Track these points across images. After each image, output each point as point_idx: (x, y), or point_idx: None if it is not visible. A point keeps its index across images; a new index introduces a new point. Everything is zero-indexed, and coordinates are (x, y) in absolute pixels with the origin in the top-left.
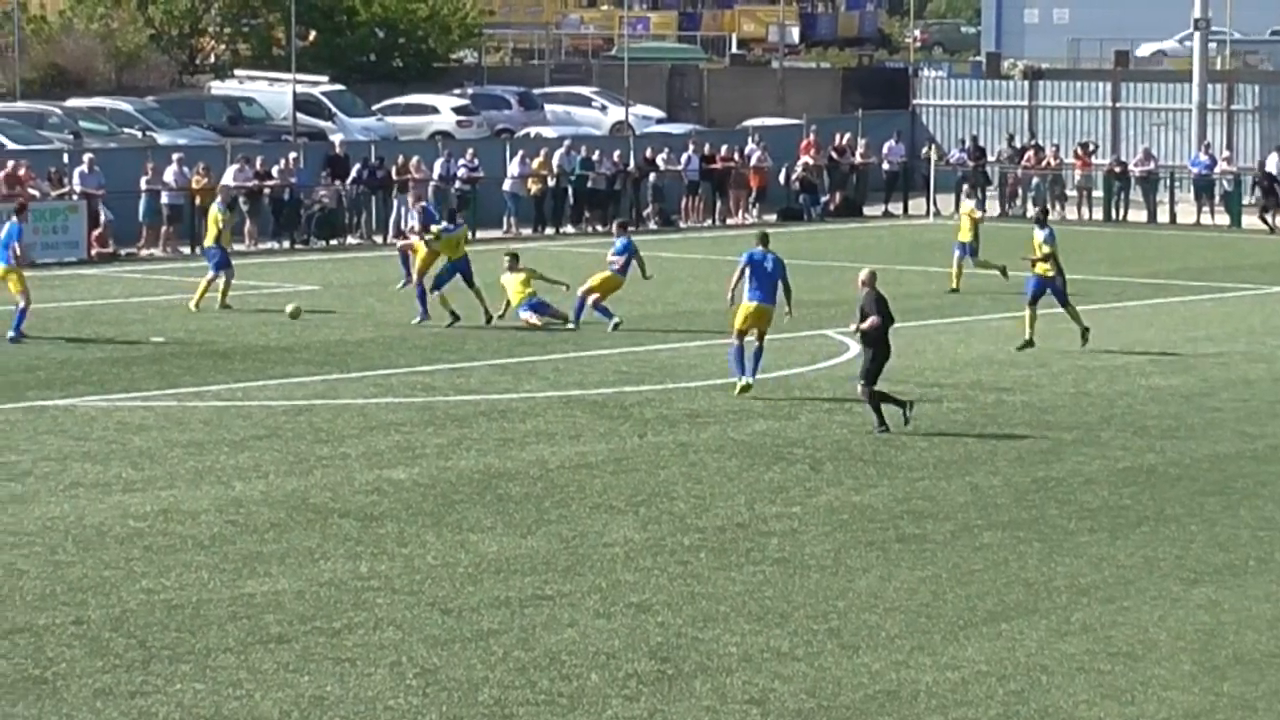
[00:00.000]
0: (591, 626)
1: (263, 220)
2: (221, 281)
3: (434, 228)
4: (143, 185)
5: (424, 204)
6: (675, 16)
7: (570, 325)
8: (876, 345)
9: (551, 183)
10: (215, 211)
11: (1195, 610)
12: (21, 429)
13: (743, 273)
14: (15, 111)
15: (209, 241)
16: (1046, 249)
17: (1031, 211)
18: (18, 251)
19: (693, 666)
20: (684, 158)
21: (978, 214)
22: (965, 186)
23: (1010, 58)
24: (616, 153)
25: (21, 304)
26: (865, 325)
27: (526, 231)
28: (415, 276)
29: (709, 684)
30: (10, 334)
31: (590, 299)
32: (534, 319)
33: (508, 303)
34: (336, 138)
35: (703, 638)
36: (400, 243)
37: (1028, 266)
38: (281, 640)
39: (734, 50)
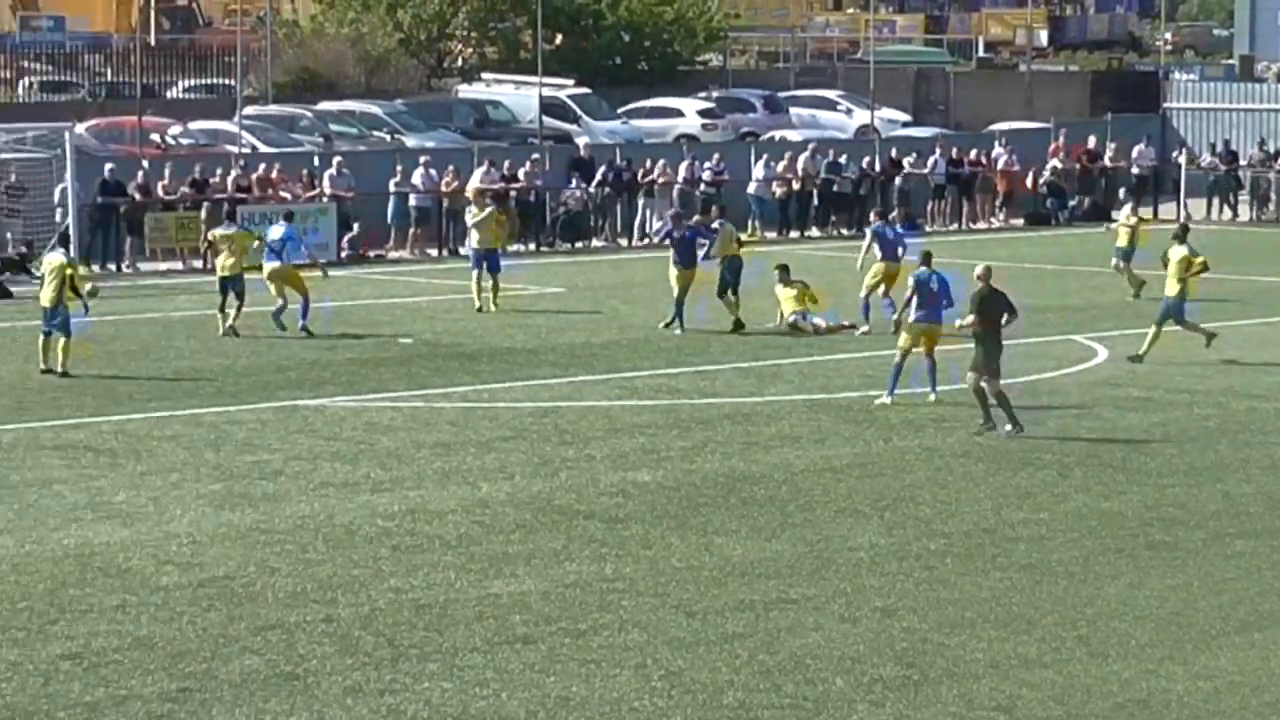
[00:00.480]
0: (836, 631)
1: (509, 223)
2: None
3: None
4: (391, 187)
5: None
6: (922, 19)
7: (863, 329)
8: (985, 340)
9: (797, 186)
10: (492, 212)
11: None
12: (273, 428)
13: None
14: (267, 115)
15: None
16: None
17: None
18: (305, 251)
19: (939, 672)
20: (930, 161)
21: (1131, 220)
22: (1122, 192)
23: (1264, 60)
24: (865, 158)
25: (300, 300)
26: (965, 323)
27: (771, 235)
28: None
29: (955, 690)
30: (301, 324)
31: (876, 294)
32: (818, 324)
33: (781, 314)
34: (582, 141)
35: (949, 643)
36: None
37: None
38: (527, 641)
39: (981, 53)
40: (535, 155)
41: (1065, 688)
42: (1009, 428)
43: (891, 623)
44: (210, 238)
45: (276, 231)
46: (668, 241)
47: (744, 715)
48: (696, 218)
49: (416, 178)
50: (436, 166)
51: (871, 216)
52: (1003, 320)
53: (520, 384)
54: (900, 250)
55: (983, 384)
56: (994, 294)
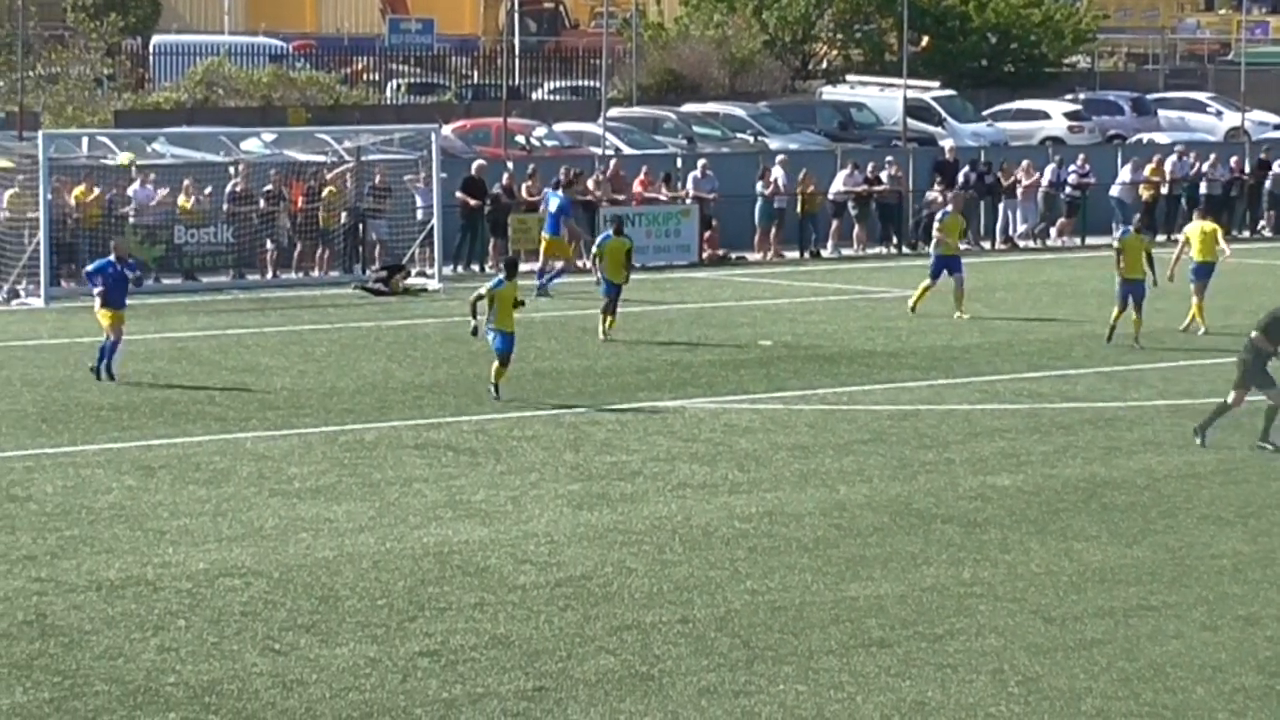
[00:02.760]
0: (1197, 639)
1: (870, 225)
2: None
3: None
4: (758, 189)
5: None
6: None
7: None
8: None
9: (1165, 190)
10: (952, 219)
11: None
12: (633, 429)
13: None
14: (632, 117)
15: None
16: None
17: None
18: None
19: None
20: None
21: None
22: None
23: None
24: (1233, 159)
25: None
26: None
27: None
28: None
29: None
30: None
31: None
32: None
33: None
34: (946, 144)
35: None
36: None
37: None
38: (883, 644)
39: None
40: (889, 158)
41: None
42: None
43: (1254, 631)
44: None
45: (553, 204)
46: None
47: None
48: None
49: (779, 178)
50: (798, 168)
51: None
52: None
53: (879, 387)
54: None
55: None
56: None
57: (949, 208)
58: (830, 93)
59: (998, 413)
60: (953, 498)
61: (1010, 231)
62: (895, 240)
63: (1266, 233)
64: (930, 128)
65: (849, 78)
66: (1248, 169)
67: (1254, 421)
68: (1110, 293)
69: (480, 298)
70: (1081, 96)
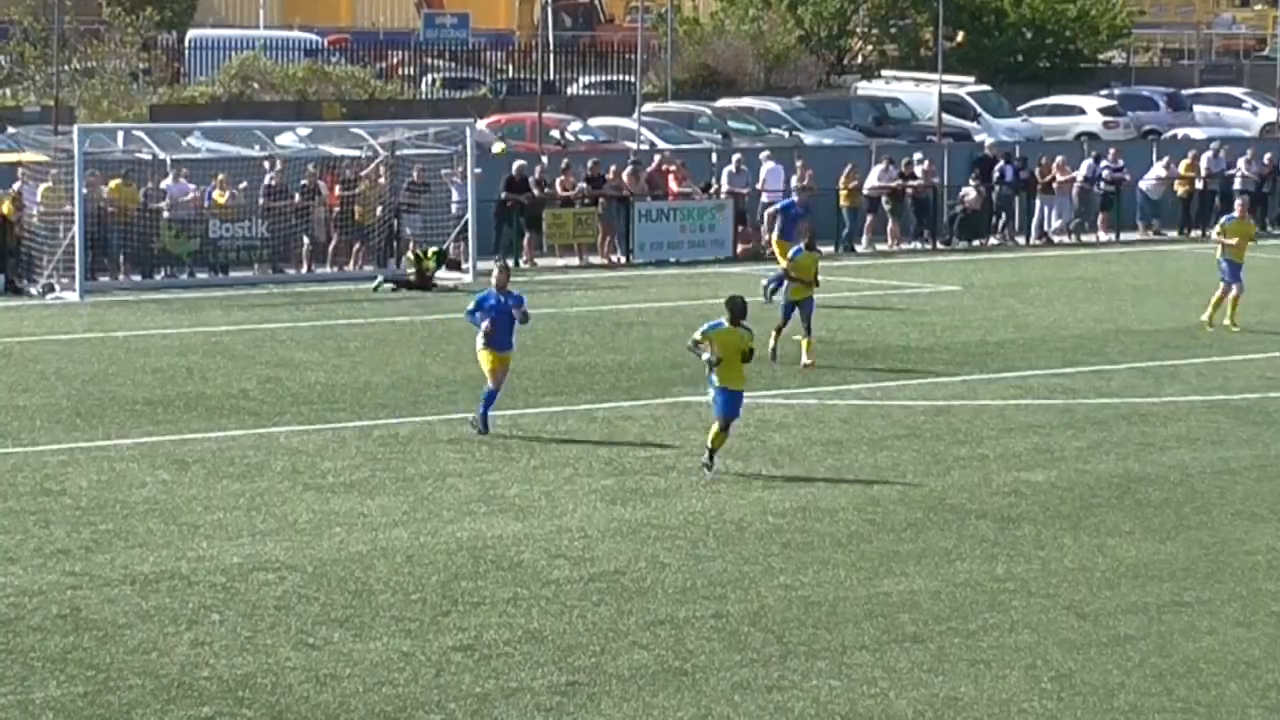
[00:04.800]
0: (1231, 635)
1: (905, 220)
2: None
3: None
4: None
5: None
6: None
7: None
8: None
9: (1200, 185)
10: None
11: None
12: (666, 424)
13: None
14: (667, 111)
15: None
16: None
17: None
18: None
19: None
20: None
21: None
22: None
23: None
24: (1267, 155)
25: None
26: None
27: (1172, 233)
28: None
29: None
30: None
31: None
32: None
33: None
34: (983, 138)
35: None
36: None
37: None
38: (916, 640)
39: None
40: (918, 155)
41: None
42: None
43: None
44: None
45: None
46: None
47: (1135, 719)
48: None
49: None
50: (836, 163)
51: None
52: None
53: (914, 382)
54: None
55: None
56: None
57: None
58: (865, 88)
59: (1031, 408)
60: (986, 493)
61: (1045, 227)
62: (929, 235)
63: None
64: (965, 123)
65: (884, 73)
66: None
67: None
68: (1145, 287)
69: (697, 342)
70: (1116, 92)
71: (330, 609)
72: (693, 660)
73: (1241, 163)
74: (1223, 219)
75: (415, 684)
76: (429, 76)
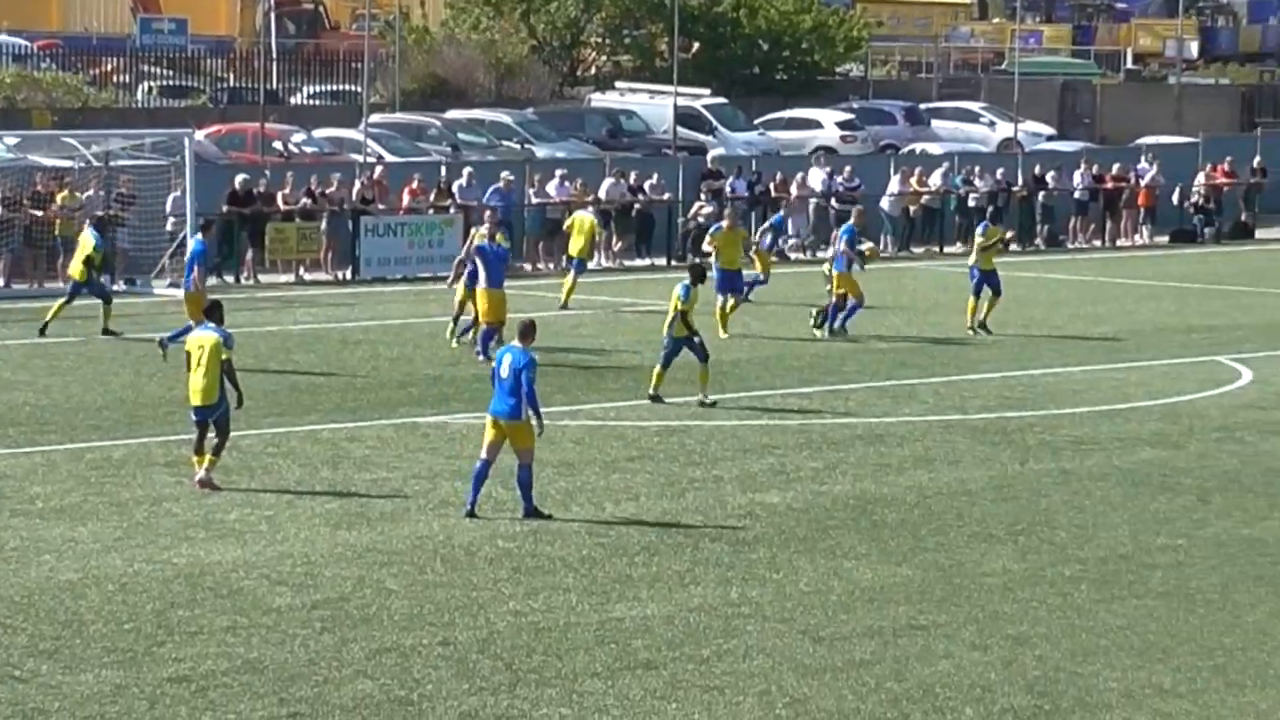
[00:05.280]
0: (967, 659)
1: (636, 235)
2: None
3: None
4: (530, 198)
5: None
6: (1069, 30)
7: None
8: None
9: (927, 201)
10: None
11: None
12: (393, 445)
13: None
14: (395, 123)
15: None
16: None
17: None
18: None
19: (1071, 702)
20: (1074, 176)
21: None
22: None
23: None
24: (1000, 170)
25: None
26: None
27: (919, 250)
28: None
29: None
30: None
31: None
32: None
33: None
34: (714, 152)
35: (1082, 672)
36: None
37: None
38: (649, 666)
39: (1129, 65)
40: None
41: (1201, 718)
42: None
43: (1024, 651)
44: None
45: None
46: None
47: None
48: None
49: (551, 189)
50: (568, 178)
51: None
52: None
53: (647, 403)
54: None
55: None
56: None
57: (723, 222)
58: (599, 99)
59: (767, 428)
60: (721, 515)
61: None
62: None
63: (1039, 244)
64: (701, 136)
65: (618, 84)
66: (1020, 180)
67: (1024, 438)
68: (882, 305)
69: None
70: (854, 106)
71: (39, 640)
72: (419, 689)
73: (976, 179)
74: (978, 228)
75: (128, 717)
76: (145, 84)
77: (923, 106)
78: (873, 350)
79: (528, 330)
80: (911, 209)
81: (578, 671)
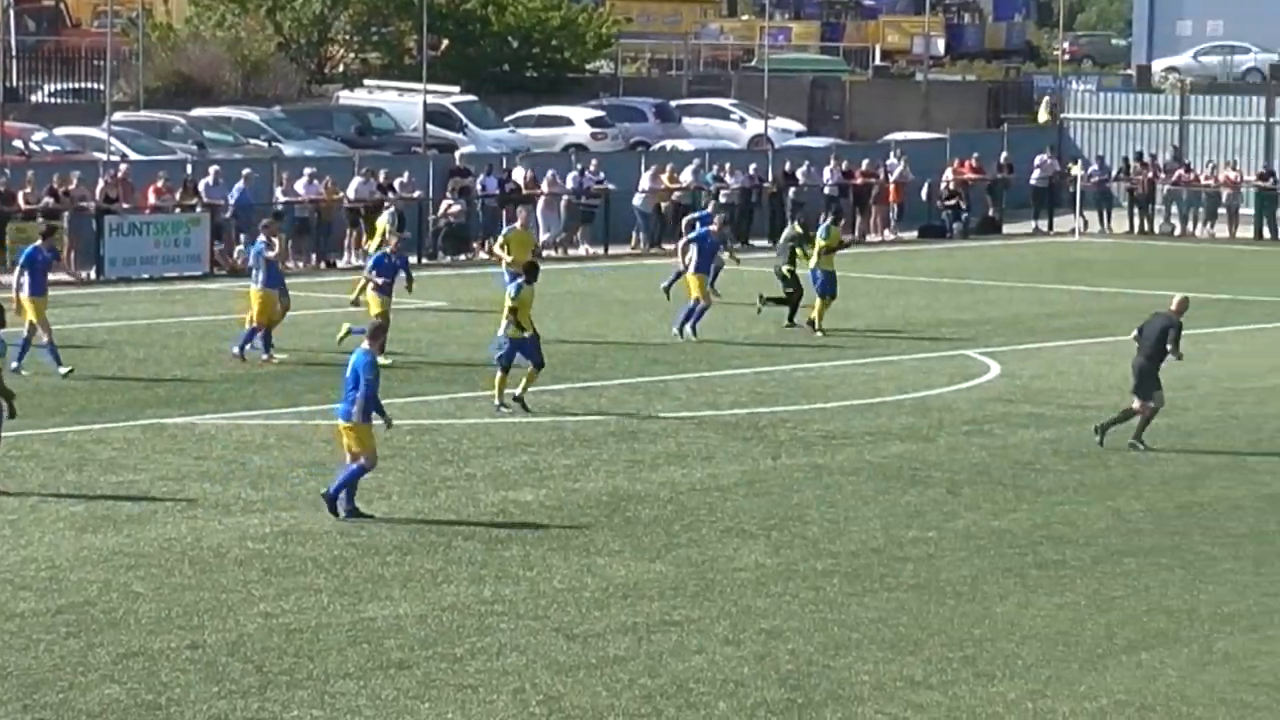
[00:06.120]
0: (720, 654)
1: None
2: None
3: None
4: (279, 196)
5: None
6: (818, 27)
7: None
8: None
9: (678, 198)
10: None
11: None
12: (139, 447)
13: None
14: (138, 121)
15: None
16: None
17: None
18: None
19: (823, 695)
20: (824, 172)
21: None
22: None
23: (1162, 70)
24: (752, 166)
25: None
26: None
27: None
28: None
29: (840, 713)
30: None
31: None
32: None
33: None
34: (462, 150)
35: (834, 665)
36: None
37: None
38: (402, 666)
39: (878, 62)
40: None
41: (951, 709)
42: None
43: (777, 645)
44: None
45: None
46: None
47: None
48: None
49: (299, 187)
50: (317, 177)
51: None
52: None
53: (399, 401)
54: None
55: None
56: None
57: (516, 223)
58: (348, 97)
59: (520, 426)
60: (474, 514)
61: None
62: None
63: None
64: (451, 134)
65: (367, 82)
66: (771, 176)
67: (776, 433)
68: (634, 301)
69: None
70: (605, 103)
71: None
72: (167, 693)
73: (708, 176)
74: (818, 231)
75: None
76: None
77: (673, 103)
78: (624, 346)
79: (376, 331)
80: (663, 205)
81: (330, 673)
